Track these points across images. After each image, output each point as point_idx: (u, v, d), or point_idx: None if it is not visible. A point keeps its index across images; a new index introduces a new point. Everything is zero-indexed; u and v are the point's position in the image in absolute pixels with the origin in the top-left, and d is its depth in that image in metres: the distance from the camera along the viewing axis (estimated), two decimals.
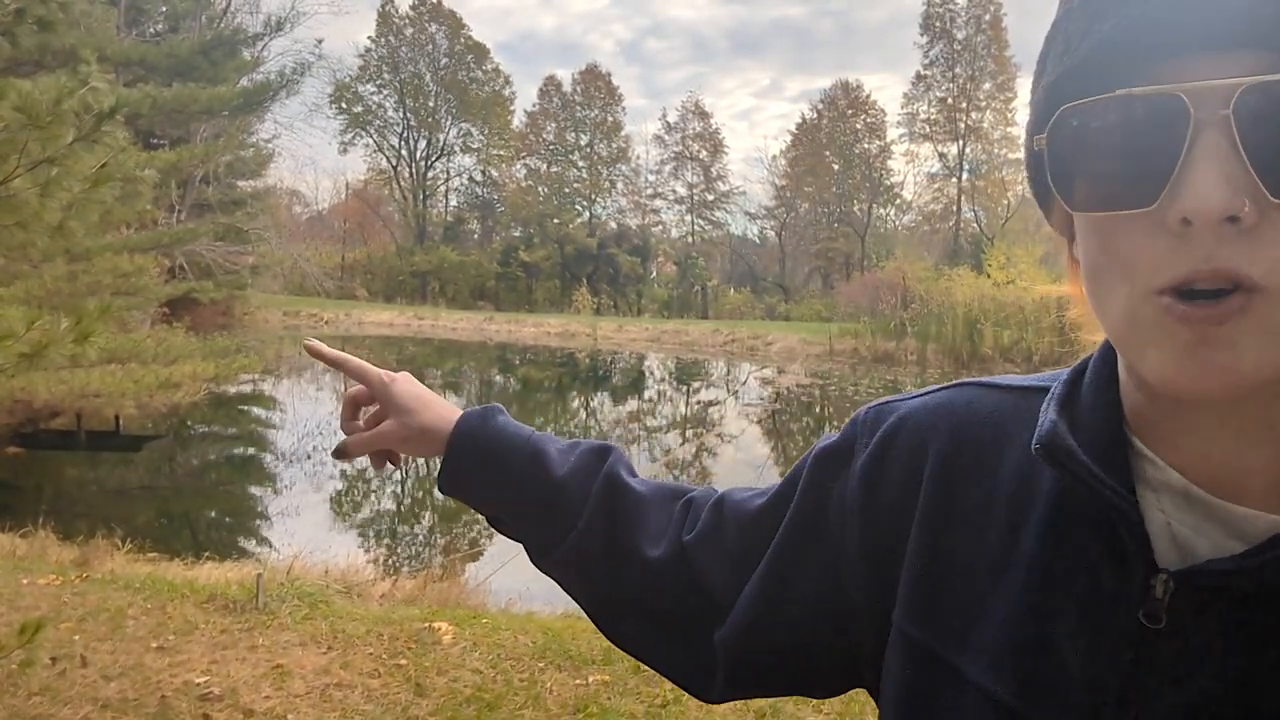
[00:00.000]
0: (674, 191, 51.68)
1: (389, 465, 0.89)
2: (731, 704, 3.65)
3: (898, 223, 51.17)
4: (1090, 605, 0.50)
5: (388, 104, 50.20)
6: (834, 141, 48.28)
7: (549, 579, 0.87)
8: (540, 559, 0.82)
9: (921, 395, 0.66)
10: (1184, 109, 0.42)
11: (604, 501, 0.77)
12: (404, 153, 51.01)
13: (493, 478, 0.81)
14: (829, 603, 0.65)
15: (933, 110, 45.87)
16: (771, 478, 10.44)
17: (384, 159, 51.14)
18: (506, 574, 6.88)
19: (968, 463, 0.59)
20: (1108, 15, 0.45)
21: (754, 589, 0.69)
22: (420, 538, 8.92)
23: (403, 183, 50.97)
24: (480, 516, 0.87)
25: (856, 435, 0.67)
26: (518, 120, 51.43)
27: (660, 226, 52.45)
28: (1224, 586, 0.46)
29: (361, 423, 0.88)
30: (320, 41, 41.80)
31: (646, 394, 21.66)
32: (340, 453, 0.87)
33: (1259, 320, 0.42)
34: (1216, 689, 0.46)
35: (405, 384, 0.86)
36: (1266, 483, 0.47)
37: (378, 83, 49.87)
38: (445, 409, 0.85)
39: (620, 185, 51.69)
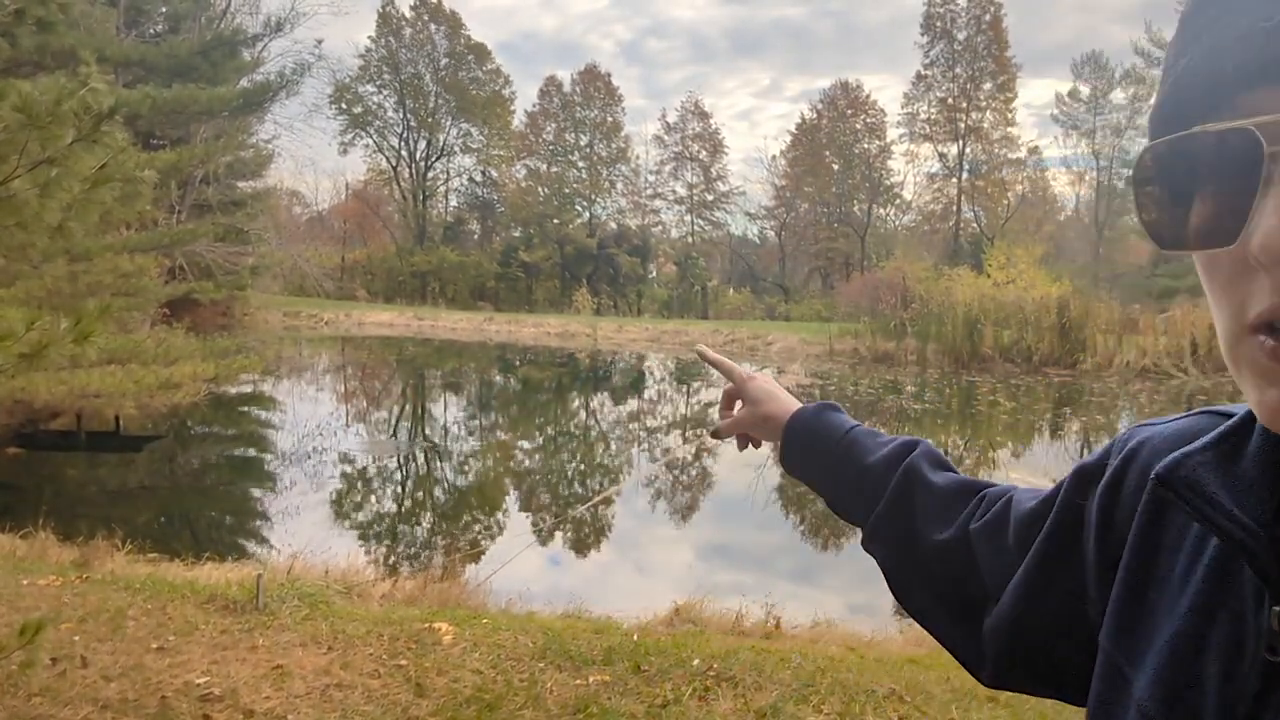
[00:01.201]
0: (674, 192, 51.74)
1: (750, 446, 1.09)
2: (732, 704, 3.65)
3: (898, 223, 51.21)
4: (1233, 637, 0.51)
5: (388, 104, 50.25)
6: (834, 141, 48.28)
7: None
8: (863, 540, 0.92)
9: (1172, 420, 0.66)
10: (1257, 143, 0.41)
11: (901, 489, 0.86)
12: (404, 153, 51.04)
13: (814, 462, 0.97)
14: (1076, 613, 0.67)
15: (933, 110, 45.89)
16: (771, 478, 10.38)
17: (384, 159, 51.19)
18: (506, 574, 6.88)
19: (1155, 516, 0.60)
20: (1187, 49, 0.45)
21: (1016, 585, 0.72)
22: (420, 538, 8.92)
23: (403, 183, 50.97)
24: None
25: (1109, 455, 0.68)
26: (518, 120, 51.48)
27: (660, 226, 52.50)
28: None
29: (733, 412, 1.09)
30: (320, 42, 41.93)
31: (646, 394, 21.65)
32: (715, 433, 1.11)
33: None
34: None
35: (760, 381, 1.06)
36: None
37: (378, 83, 49.90)
38: (787, 403, 1.03)
39: (620, 185, 51.75)
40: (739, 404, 1.09)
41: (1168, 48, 0.48)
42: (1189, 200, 0.45)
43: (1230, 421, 0.56)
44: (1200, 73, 0.44)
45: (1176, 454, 0.54)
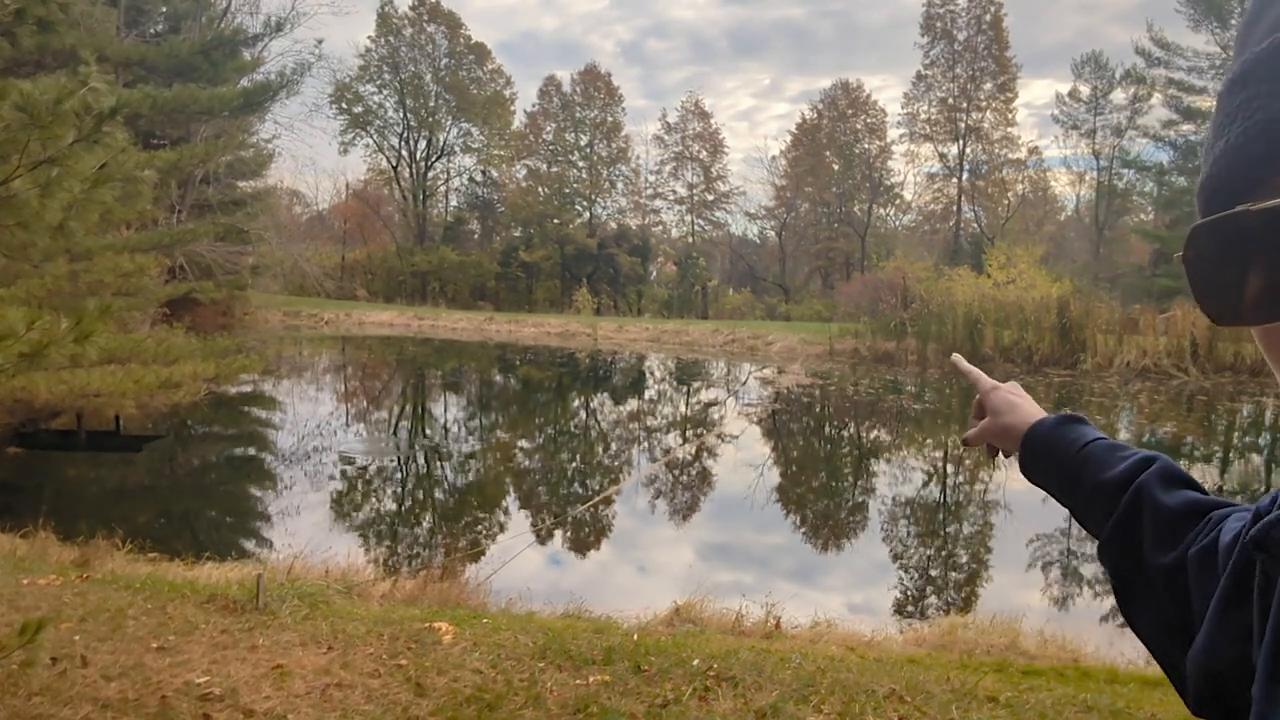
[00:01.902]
0: (674, 192, 51.69)
1: (1000, 456, 1.07)
2: (732, 704, 3.65)
3: (898, 223, 51.18)
4: None
5: (388, 104, 50.21)
6: (834, 142, 48.25)
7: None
8: (1097, 552, 0.92)
9: None
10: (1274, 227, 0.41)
11: (1130, 509, 0.85)
12: (404, 153, 51.02)
13: (1050, 476, 0.97)
14: (1248, 656, 0.65)
15: (933, 110, 45.85)
16: (771, 478, 10.39)
17: (384, 159, 51.17)
18: (506, 574, 6.88)
19: None
20: (1225, 130, 0.45)
21: (1207, 618, 0.70)
22: (420, 538, 8.91)
23: (403, 183, 50.95)
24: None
25: (1275, 501, 0.67)
26: (518, 120, 51.46)
27: (660, 226, 52.47)
28: None
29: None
30: (320, 42, 41.89)
31: (647, 394, 21.65)
32: (965, 441, 1.10)
33: None
34: None
35: (1003, 391, 1.06)
36: None
37: (378, 83, 49.86)
38: (1027, 414, 1.01)
39: (620, 185, 51.70)
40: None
41: (1209, 126, 0.48)
42: (1240, 276, 0.45)
43: None
44: (1239, 153, 0.44)
45: (1274, 516, 0.53)
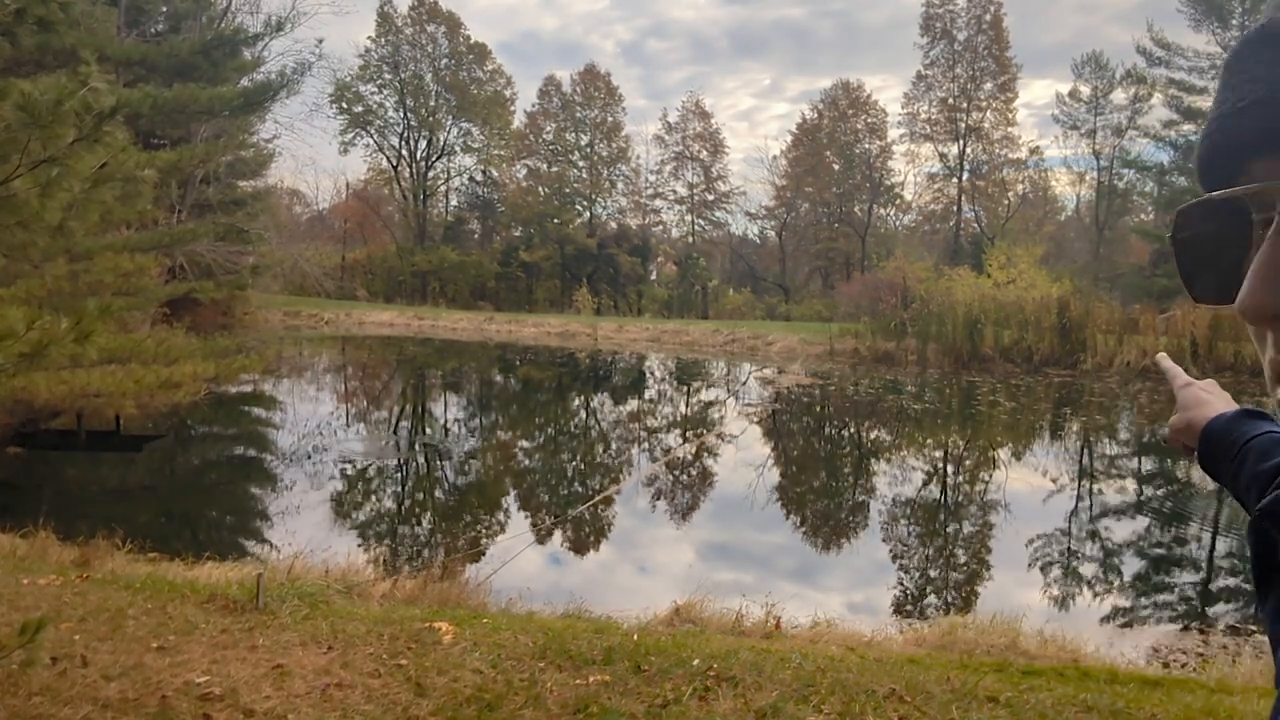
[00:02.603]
0: (674, 191, 51.67)
1: (1191, 455, 1.05)
2: (732, 704, 3.65)
3: (898, 223, 51.17)
4: None
5: (388, 104, 50.18)
6: (834, 142, 48.23)
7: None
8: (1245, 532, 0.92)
9: None
10: (1245, 210, 0.44)
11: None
12: (404, 153, 50.99)
13: (1219, 471, 0.95)
14: None
15: (933, 110, 45.84)
16: (771, 478, 10.40)
17: (384, 159, 51.15)
18: (506, 574, 6.88)
19: None
20: (1218, 109, 0.47)
21: None
22: (420, 538, 8.92)
23: (403, 183, 50.94)
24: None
25: None
26: (518, 120, 51.45)
27: (660, 226, 52.44)
28: None
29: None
30: (320, 41, 41.64)
31: (647, 394, 21.64)
32: (1164, 440, 1.09)
33: None
34: None
35: (1195, 388, 1.05)
36: None
37: (378, 83, 49.83)
38: (1210, 409, 1.00)
39: (620, 185, 51.68)
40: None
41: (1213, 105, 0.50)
42: (1212, 258, 0.48)
43: None
44: (1222, 135, 0.46)
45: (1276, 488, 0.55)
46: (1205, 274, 0.49)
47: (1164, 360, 1.19)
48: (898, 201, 49.71)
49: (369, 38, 50.43)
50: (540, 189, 49.14)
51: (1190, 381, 1.06)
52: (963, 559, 8.81)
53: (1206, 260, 0.48)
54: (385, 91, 49.88)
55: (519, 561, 7.32)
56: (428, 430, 15.28)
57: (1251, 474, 0.87)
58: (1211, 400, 1.03)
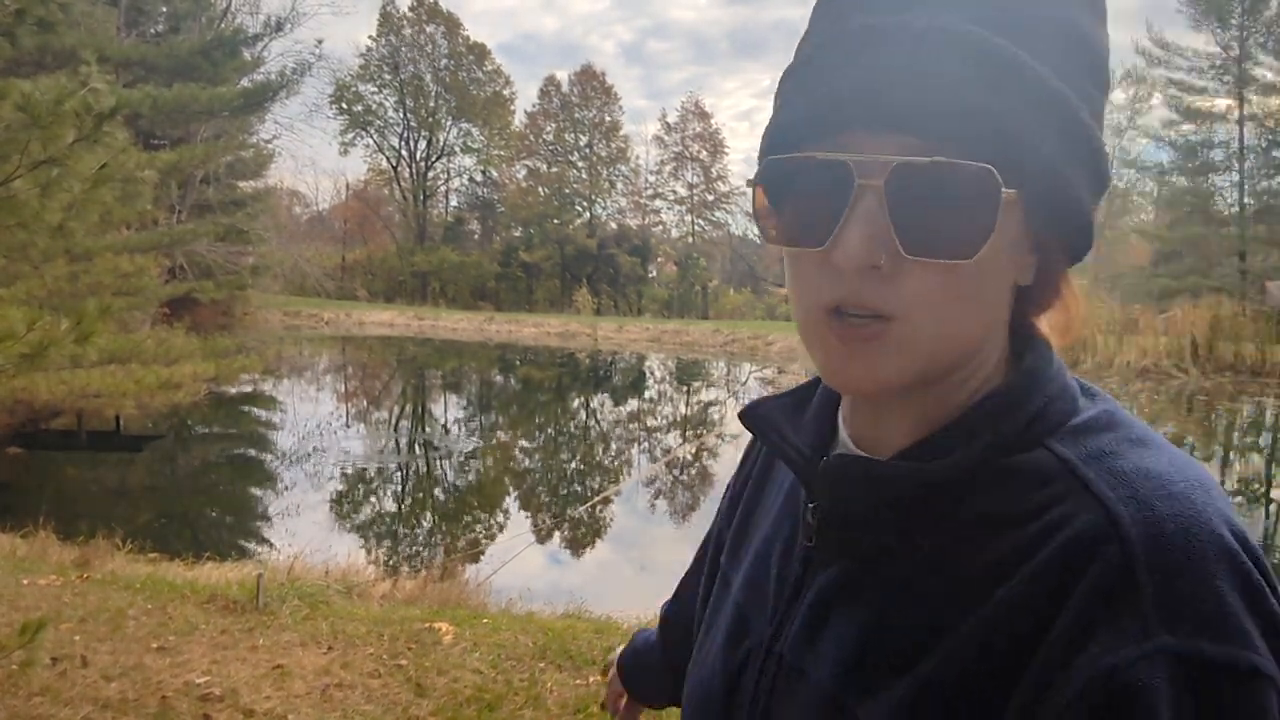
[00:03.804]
0: (674, 192, 51.68)
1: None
2: None
3: None
4: (790, 536, 0.70)
5: (388, 104, 50.19)
6: None
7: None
8: None
9: None
10: (850, 175, 0.53)
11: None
12: (404, 153, 51.00)
13: (649, 684, 1.13)
14: None
15: None
16: None
17: (384, 159, 51.14)
18: (507, 574, 6.88)
19: (771, 458, 0.81)
20: (808, 90, 0.56)
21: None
22: (420, 538, 8.92)
23: (403, 183, 50.94)
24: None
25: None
26: (518, 120, 51.45)
27: (660, 227, 52.46)
28: (823, 510, 0.63)
29: None
30: (320, 42, 41.67)
31: (647, 394, 21.65)
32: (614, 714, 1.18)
33: (894, 342, 0.54)
34: (825, 586, 0.63)
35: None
36: (899, 442, 0.62)
37: (378, 83, 49.85)
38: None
39: (620, 185, 51.71)
40: None
41: (781, 82, 0.60)
42: (792, 208, 0.57)
43: (805, 382, 0.75)
44: (812, 110, 0.55)
45: (759, 398, 0.72)
46: (793, 219, 0.57)
47: None
48: None
49: (370, 37, 50.51)
50: (540, 189, 49.14)
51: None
52: None
53: (796, 207, 0.57)
54: (385, 91, 49.92)
55: (519, 561, 7.32)
56: (428, 430, 15.28)
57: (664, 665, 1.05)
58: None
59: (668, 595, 1.08)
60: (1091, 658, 0.46)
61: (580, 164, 50.12)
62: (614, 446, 14.55)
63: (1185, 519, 0.49)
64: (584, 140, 50.18)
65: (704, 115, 51.20)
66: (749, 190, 0.60)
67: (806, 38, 0.60)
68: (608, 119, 50.22)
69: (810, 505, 0.64)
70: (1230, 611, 0.46)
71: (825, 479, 0.61)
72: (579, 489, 11.08)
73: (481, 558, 7.71)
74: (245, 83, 22.68)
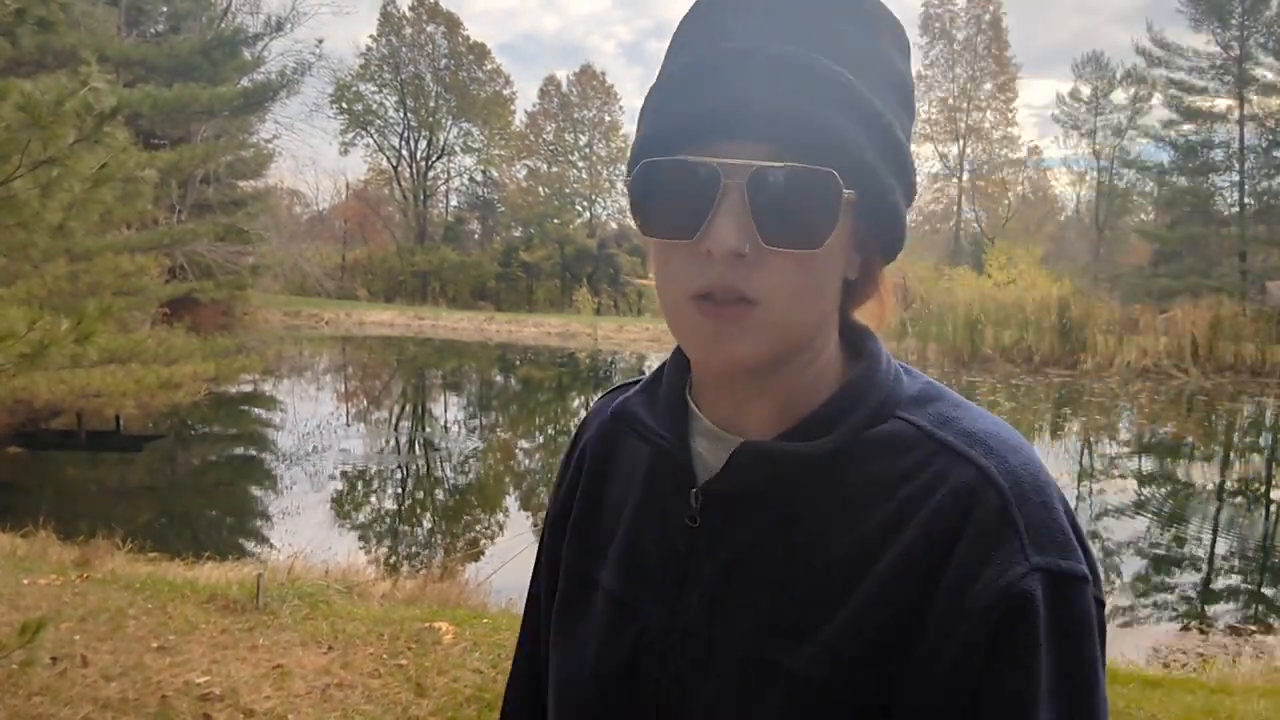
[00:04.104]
0: None
1: None
2: None
3: None
4: (664, 517, 0.73)
5: (388, 104, 50.15)
6: None
7: None
8: None
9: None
10: (718, 175, 0.60)
11: None
12: (404, 153, 50.96)
13: None
14: None
15: (933, 110, 45.84)
16: None
17: (384, 159, 51.11)
18: (507, 574, 6.88)
19: (607, 450, 0.83)
20: (674, 103, 0.64)
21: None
22: (421, 538, 8.92)
23: (403, 183, 50.92)
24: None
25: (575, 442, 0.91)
26: (518, 120, 51.44)
27: None
28: (715, 491, 0.69)
29: None
30: (321, 41, 41.59)
31: None
32: None
33: (756, 323, 0.62)
34: (724, 559, 0.68)
35: None
36: (762, 421, 0.69)
37: (378, 82, 49.81)
38: None
39: (620, 185, 51.63)
40: None
41: (649, 97, 0.68)
42: (666, 204, 0.64)
43: (647, 378, 0.80)
44: (683, 121, 0.63)
45: (621, 398, 0.78)
46: (666, 214, 0.64)
47: None
48: None
49: (370, 37, 50.48)
50: (540, 189, 49.12)
51: None
52: None
53: (670, 203, 0.63)
54: (385, 91, 49.88)
55: (519, 561, 7.32)
56: (428, 430, 15.28)
57: None
58: None
59: None
60: (990, 578, 0.59)
61: (580, 164, 50.12)
62: None
63: (1030, 468, 0.63)
64: (584, 140, 50.17)
65: None
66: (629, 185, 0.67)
67: (673, 58, 0.67)
68: (608, 119, 50.23)
69: (694, 489, 0.70)
70: (1068, 535, 0.61)
71: (738, 463, 0.67)
72: None
73: (482, 557, 7.71)
74: (245, 82, 22.70)
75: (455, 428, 15.67)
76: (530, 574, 0.96)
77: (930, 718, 0.60)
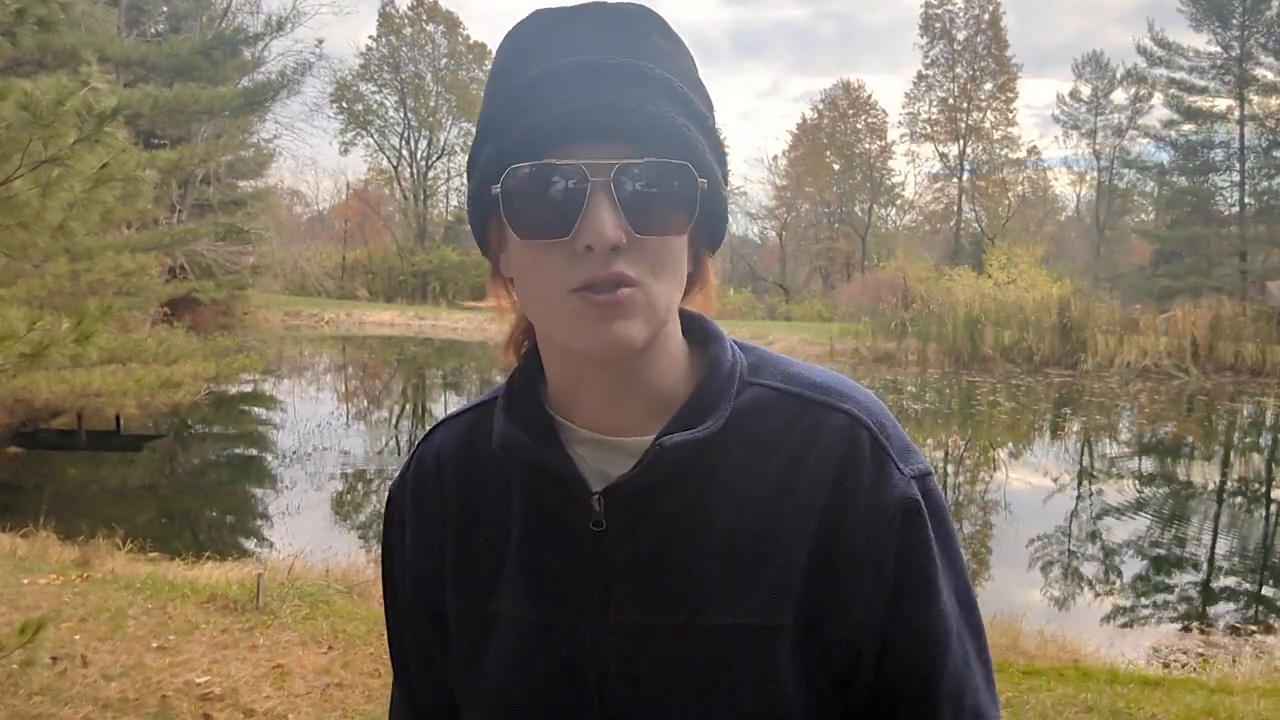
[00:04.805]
0: None
1: None
2: None
3: (898, 223, 51.15)
4: (562, 531, 0.74)
5: (388, 104, 50.16)
6: (835, 142, 48.22)
7: None
8: None
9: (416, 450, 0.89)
10: (584, 175, 0.64)
11: None
12: (405, 153, 50.97)
13: None
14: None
15: (933, 110, 45.85)
16: None
17: (385, 159, 51.12)
18: None
19: (465, 483, 0.81)
20: (531, 112, 0.67)
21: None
22: None
23: (403, 183, 50.93)
24: None
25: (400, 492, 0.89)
26: None
27: None
28: (625, 491, 0.71)
29: None
30: (321, 41, 41.52)
31: None
32: None
33: (637, 307, 0.66)
34: (644, 552, 0.72)
35: None
36: (638, 418, 0.73)
37: (378, 82, 49.82)
38: None
39: None
40: None
41: (501, 107, 0.70)
42: (539, 207, 0.66)
43: (501, 398, 0.78)
44: (543, 127, 0.66)
45: (498, 429, 0.75)
46: (540, 216, 0.66)
47: None
48: (898, 201, 49.73)
49: (370, 37, 50.48)
50: None
51: None
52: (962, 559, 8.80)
53: (541, 204, 0.66)
54: (385, 91, 49.88)
55: None
56: (428, 429, 15.26)
57: None
58: None
59: None
60: (887, 493, 0.71)
61: None
62: None
63: (872, 400, 0.76)
64: None
65: None
66: (496, 195, 0.69)
67: (514, 74, 0.70)
68: None
69: (596, 495, 0.72)
70: (912, 446, 0.75)
71: (655, 459, 0.70)
72: None
73: None
74: (246, 82, 22.68)
75: None
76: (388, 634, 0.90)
77: (867, 611, 0.70)
